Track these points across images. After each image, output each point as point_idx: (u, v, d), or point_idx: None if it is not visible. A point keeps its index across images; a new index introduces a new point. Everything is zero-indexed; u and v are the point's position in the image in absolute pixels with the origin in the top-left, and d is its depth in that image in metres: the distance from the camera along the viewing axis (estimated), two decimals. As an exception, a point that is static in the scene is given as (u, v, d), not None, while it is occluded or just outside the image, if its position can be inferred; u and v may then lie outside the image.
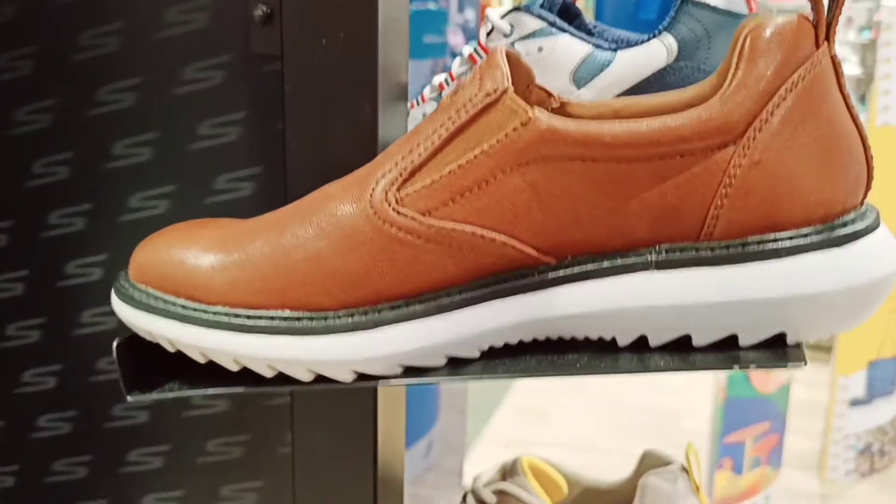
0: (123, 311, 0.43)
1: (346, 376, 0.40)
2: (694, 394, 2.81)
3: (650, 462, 0.64)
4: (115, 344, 0.43)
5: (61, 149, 0.58)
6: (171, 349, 0.42)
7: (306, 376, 0.40)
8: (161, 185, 0.58)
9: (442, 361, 0.40)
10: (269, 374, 0.41)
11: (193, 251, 0.42)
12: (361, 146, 0.53)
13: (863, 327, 2.29)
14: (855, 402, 2.31)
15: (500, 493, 0.63)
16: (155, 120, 0.57)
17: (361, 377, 0.40)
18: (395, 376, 0.40)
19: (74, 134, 0.58)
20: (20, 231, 0.60)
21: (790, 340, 0.37)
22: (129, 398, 0.43)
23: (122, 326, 0.55)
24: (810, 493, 2.35)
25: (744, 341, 0.37)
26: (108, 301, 0.60)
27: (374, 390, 0.57)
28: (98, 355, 0.61)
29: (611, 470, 2.32)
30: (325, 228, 0.40)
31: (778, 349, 0.36)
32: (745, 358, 0.36)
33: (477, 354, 0.40)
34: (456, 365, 0.40)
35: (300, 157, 0.55)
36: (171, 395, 0.43)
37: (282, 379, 0.41)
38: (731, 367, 0.37)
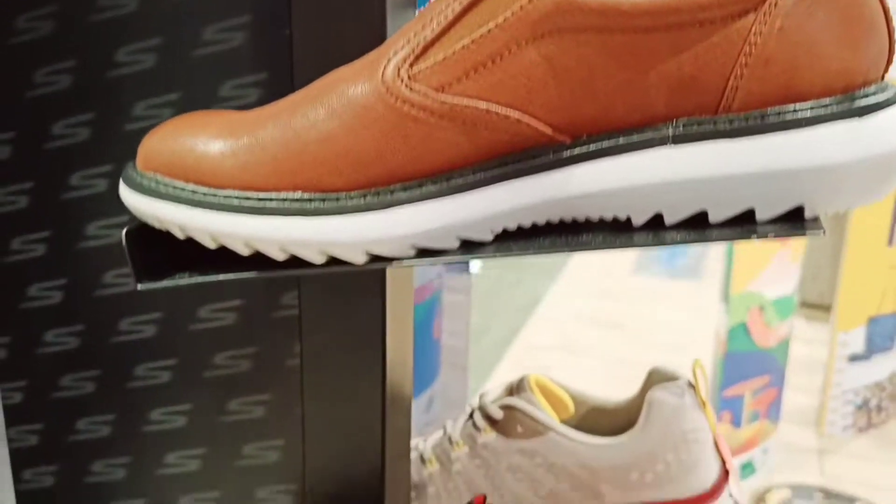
0: (132, 198, 0.42)
1: (359, 258, 0.40)
2: (695, 351, 2.81)
3: (657, 378, 0.64)
4: (123, 232, 0.43)
5: (64, 57, 0.58)
6: (181, 236, 0.42)
7: (318, 258, 0.40)
8: (166, 93, 0.57)
9: (455, 244, 0.40)
10: (280, 257, 0.40)
11: (202, 138, 0.41)
12: (369, 50, 0.52)
13: (863, 285, 2.30)
14: (854, 358, 2.32)
15: (507, 409, 0.63)
16: (159, 26, 0.56)
17: (374, 259, 0.40)
18: (408, 258, 0.40)
19: (77, 41, 0.57)
20: (23, 143, 0.60)
21: (808, 214, 0.37)
22: (138, 286, 0.43)
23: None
24: (808, 447, 2.36)
25: (761, 215, 0.37)
26: (113, 213, 0.59)
27: (383, 303, 0.57)
28: (104, 268, 0.61)
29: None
30: (337, 109, 0.39)
31: (796, 222, 0.36)
32: (762, 230, 0.36)
33: (490, 237, 0.40)
34: (469, 247, 0.40)
35: (306, 62, 0.55)
36: (181, 282, 0.42)
37: (293, 262, 0.40)
38: (747, 238, 0.36)
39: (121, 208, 0.45)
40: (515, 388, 0.65)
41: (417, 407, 1.91)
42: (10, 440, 0.64)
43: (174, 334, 0.61)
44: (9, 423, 0.65)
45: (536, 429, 0.61)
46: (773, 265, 2.01)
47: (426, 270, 1.51)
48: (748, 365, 2.06)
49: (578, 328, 2.98)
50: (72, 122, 0.59)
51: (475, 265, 2.28)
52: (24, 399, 0.64)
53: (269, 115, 0.41)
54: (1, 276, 0.61)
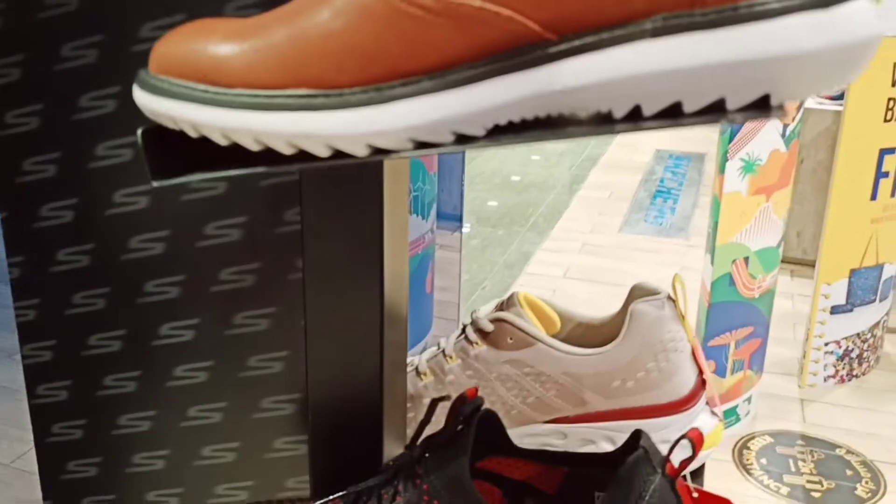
0: (146, 99, 0.45)
1: (361, 150, 0.43)
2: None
3: (639, 293, 0.67)
4: (139, 132, 0.45)
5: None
6: (193, 134, 0.44)
7: (323, 151, 0.43)
8: (172, 15, 0.59)
9: (450, 138, 0.43)
10: (287, 151, 0.43)
11: (212, 41, 0.44)
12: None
13: (846, 238, 2.33)
14: (836, 310, 2.37)
15: (498, 321, 0.67)
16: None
17: (375, 151, 0.43)
18: (406, 150, 0.43)
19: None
20: (33, 65, 0.62)
21: (774, 101, 0.40)
22: (153, 183, 0.45)
23: (135, 159, 0.58)
24: (790, 397, 2.42)
25: (731, 104, 0.40)
26: (122, 134, 0.62)
27: (381, 218, 0.60)
28: (113, 188, 0.63)
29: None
30: (340, 7, 0.42)
31: (762, 108, 0.39)
32: (732, 117, 0.39)
33: (482, 132, 0.43)
34: (462, 140, 0.43)
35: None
36: (194, 178, 0.45)
37: (300, 156, 0.43)
38: (717, 121, 0.39)
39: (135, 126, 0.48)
40: (506, 304, 0.69)
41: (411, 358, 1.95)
42: (23, 357, 0.67)
43: (181, 251, 0.64)
44: (23, 341, 0.68)
45: (525, 340, 0.64)
46: (758, 218, 2.05)
47: (418, 226, 1.53)
48: (732, 315, 2.11)
49: (567, 284, 3.03)
50: (79, 45, 0.61)
51: (466, 225, 2.30)
52: (37, 317, 0.67)
53: (275, 18, 0.44)
54: (10, 198, 0.64)
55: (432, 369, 0.69)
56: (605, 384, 0.62)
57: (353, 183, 0.57)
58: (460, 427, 0.49)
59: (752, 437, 2.24)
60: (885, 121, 2.16)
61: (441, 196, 2.36)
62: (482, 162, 4.33)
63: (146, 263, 0.64)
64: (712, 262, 2.03)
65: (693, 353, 0.65)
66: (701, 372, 0.66)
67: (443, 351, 0.70)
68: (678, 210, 3.67)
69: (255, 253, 0.63)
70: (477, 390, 0.53)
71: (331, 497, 0.51)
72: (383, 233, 0.60)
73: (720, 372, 2.17)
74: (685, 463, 0.43)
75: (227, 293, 0.64)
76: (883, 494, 2.01)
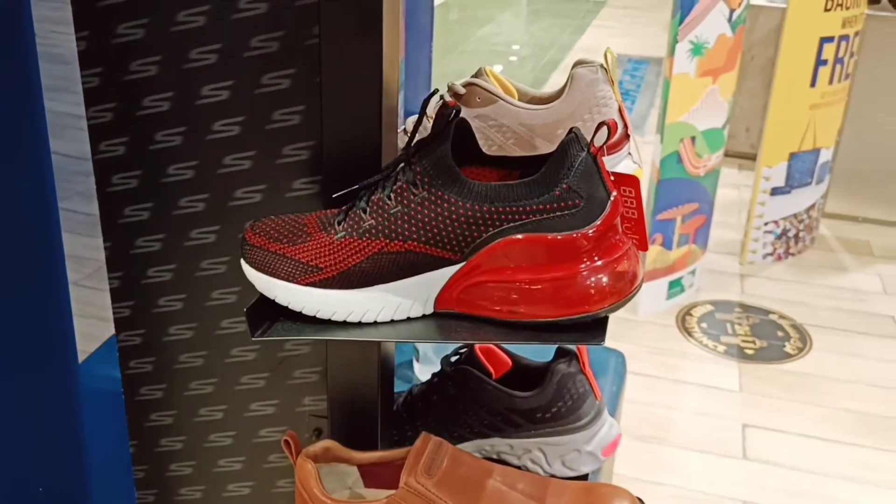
0: None
1: None
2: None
3: (579, 63, 0.81)
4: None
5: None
6: None
7: None
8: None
9: None
10: None
11: None
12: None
13: (786, 123, 2.50)
14: (776, 191, 2.56)
15: (469, 85, 0.80)
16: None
17: None
18: None
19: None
20: None
21: None
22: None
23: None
24: (731, 272, 2.63)
25: None
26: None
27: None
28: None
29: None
30: None
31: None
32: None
33: None
34: None
35: None
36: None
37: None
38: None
39: None
40: (474, 75, 0.83)
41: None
42: (88, 118, 0.79)
43: (220, 21, 0.76)
44: (87, 104, 0.79)
45: (490, 98, 0.78)
46: (705, 100, 2.22)
47: None
48: (679, 191, 2.29)
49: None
50: None
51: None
52: (100, 83, 0.79)
53: None
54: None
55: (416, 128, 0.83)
56: (551, 132, 0.75)
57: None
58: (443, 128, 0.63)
59: (695, 306, 2.45)
60: (826, 10, 2.32)
61: (407, 93, 2.48)
62: (446, 63, 4.42)
63: (192, 34, 0.76)
64: (661, 141, 2.20)
65: (620, 109, 0.77)
66: (626, 126, 0.79)
67: (425, 115, 0.84)
68: (635, 110, 3.84)
69: (278, 23, 0.76)
70: (455, 102, 0.67)
71: (345, 190, 0.65)
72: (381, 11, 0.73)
73: (667, 245, 2.36)
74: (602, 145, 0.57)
75: (257, 58, 0.76)
76: (809, 350, 2.24)
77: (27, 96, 0.76)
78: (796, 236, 2.66)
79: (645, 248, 0.57)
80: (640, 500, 0.67)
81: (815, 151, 2.55)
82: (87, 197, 0.81)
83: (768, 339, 2.28)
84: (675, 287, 2.43)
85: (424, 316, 0.59)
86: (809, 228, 2.69)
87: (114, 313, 0.81)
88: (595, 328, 0.54)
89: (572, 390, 0.76)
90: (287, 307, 0.60)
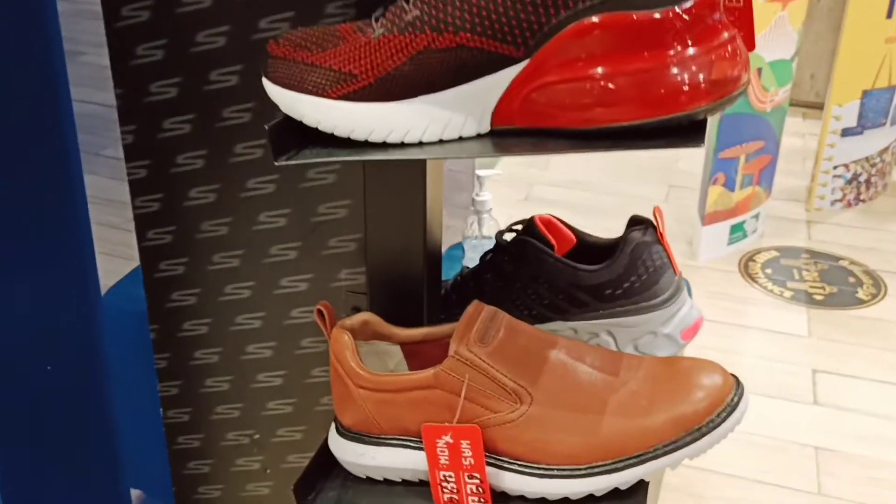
0: None
1: None
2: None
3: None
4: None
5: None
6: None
7: None
8: None
9: None
10: None
11: None
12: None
13: (859, 57, 2.33)
14: (847, 132, 2.41)
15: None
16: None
17: None
18: None
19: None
20: None
21: None
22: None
23: None
24: (797, 219, 2.49)
25: None
26: None
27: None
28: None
29: (608, 208, 2.42)
30: None
31: None
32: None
33: None
34: None
35: None
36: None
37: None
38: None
39: None
40: (526, 225, 0.71)
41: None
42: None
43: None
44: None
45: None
46: (773, 27, 2.07)
47: None
48: (744, 128, 2.15)
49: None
50: None
51: None
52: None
53: None
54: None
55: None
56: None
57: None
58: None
59: (758, 252, 2.31)
60: (906, -69, 2.16)
61: None
62: None
63: (213, 54, 0.66)
64: (727, 71, 2.06)
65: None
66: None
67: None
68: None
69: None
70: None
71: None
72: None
73: (729, 185, 2.23)
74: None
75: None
76: (884, 297, 2.10)
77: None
78: (868, 181, 2.50)
79: (752, 47, 0.46)
80: (734, 376, 0.56)
81: (891, 89, 2.39)
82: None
83: (839, 286, 2.15)
84: (738, 231, 2.30)
85: (479, 136, 0.49)
86: (882, 173, 2.53)
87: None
88: (690, 132, 0.44)
89: (647, 262, 0.66)
90: (317, 130, 0.50)
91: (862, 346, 1.90)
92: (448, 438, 0.56)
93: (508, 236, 0.71)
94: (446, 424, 0.56)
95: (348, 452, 0.62)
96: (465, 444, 0.56)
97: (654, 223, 0.67)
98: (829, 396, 1.74)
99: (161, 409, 0.76)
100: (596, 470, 0.55)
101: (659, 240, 0.66)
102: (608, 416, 0.55)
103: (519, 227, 0.71)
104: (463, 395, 0.57)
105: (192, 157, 0.68)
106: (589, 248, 0.71)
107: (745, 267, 2.24)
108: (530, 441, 0.56)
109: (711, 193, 2.19)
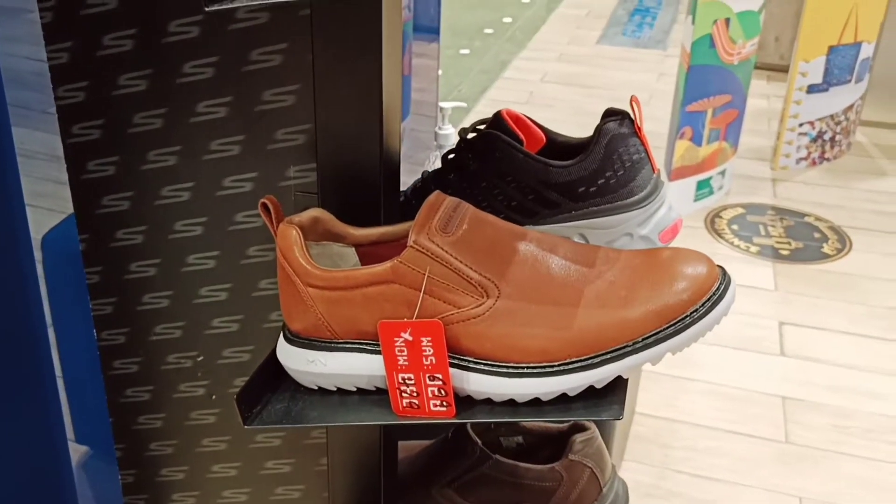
0: None
1: None
2: (656, 104, 2.87)
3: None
4: None
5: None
6: None
7: None
8: None
9: None
10: None
11: None
12: None
13: (826, 12, 2.30)
14: (813, 89, 2.39)
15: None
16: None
17: None
18: None
19: None
20: None
21: None
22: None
23: None
24: (763, 177, 2.47)
25: None
26: None
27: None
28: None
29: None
30: None
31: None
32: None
33: None
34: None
35: None
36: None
37: None
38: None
39: None
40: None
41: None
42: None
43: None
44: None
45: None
46: (741, -23, 2.03)
47: None
48: (711, 80, 2.11)
49: (543, 87, 3.01)
50: None
51: (442, 34, 2.26)
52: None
53: None
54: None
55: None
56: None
57: None
58: None
59: (724, 208, 2.29)
60: None
61: (418, 8, 2.31)
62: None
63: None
64: (693, 22, 2.02)
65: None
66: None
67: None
68: (656, 25, 3.64)
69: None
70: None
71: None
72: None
73: (696, 140, 2.19)
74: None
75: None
76: (849, 251, 2.08)
77: None
78: (832, 139, 2.49)
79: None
80: (721, 268, 0.52)
81: (856, 45, 2.37)
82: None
83: (804, 241, 2.13)
84: (704, 188, 2.27)
85: None
86: (847, 132, 2.52)
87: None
88: None
89: (624, 156, 0.61)
90: None
91: (828, 299, 1.88)
92: (407, 336, 0.51)
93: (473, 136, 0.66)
94: (405, 320, 0.51)
95: (297, 360, 0.56)
96: (425, 341, 0.51)
97: (631, 115, 0.61)
98: (795, 348, 1.72)
99: (94, 331, 0.70)
100: (570, 366, 0.50)
101: (636, 132, 0.61)
102: (583, 309, 0.50)
103: (483, 126, 0.65)
104: (423, 289, 0.51)
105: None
106: (558, 148, 0.65)
107: (712, 223, 2.21)
108: (497, 337, 0.51)
109: (678, 148, 2.16)
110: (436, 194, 0.55)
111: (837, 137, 2.49)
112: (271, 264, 0.66)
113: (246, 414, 0.54)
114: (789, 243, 2.13)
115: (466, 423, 0.73)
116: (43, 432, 0.87)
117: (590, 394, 0.50)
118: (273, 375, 0.57)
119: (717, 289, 0.50)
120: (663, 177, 2.24)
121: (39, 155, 1.78)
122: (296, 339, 0.56)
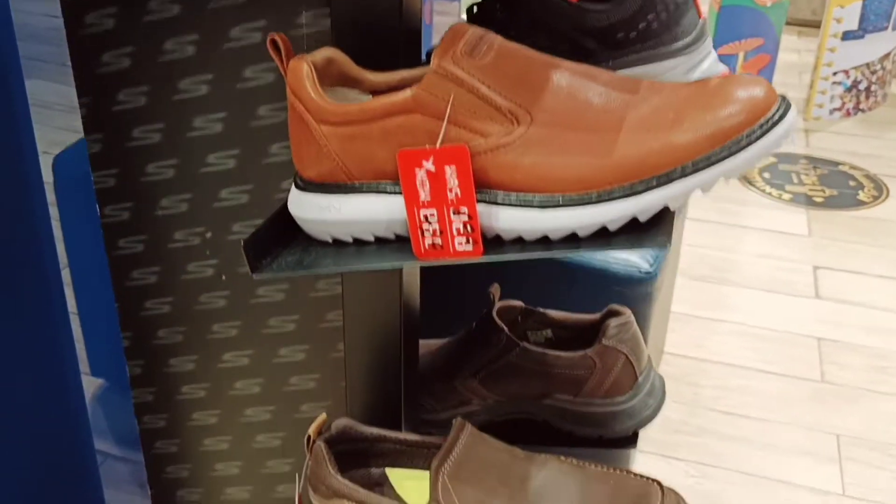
0: None
1: None
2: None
3: None
4: None
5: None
6: None
7: None
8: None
9: None
10: None
11: None
12: None
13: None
14: (847, 36, 2.31)
15: None
16: None
17: None
18: None
19: None
20: None
21: None
22: None
23: None
24: (794, 128, 2.39)
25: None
26: None
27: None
28: None
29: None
30: None
31: None
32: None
33: None
34: None
35: None
36: None
37: None
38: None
39: None
40: None
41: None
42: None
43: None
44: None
45: None
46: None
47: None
48: (743, 22, 2.04)
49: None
50: None
51: None
52: None
53: None
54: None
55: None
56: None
57: None
58: None
59: (755, 158, 2.22)
60: None
61: None
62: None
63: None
64: (726, -41, 1.95)
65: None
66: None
67: None
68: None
69: None
70: None
71: None
72: None
73: (727, 85, 2.12)
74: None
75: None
76: (885, 198, 2.01)
77: None
78: (868, 89, 2.40)
79: None
80: (783, 97, 0.46)
81: (895, -11, 2.28)
82: None
83: (839, 188, 2.06)
84: (734, 137, 2.20)
85: None
86: (882, 82, 2.43)
87: None
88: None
89: (666, -2, 0.55)
90: None
91: (864, 244, 1.82)
92: (429, 165, 0.46)
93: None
94: (427, 147, 0.46)
95: (310, 208, 0.51)
96: (449, 171, 0.46)
97: (675, -48, 0.56)
98: (831, 291, 1.66)
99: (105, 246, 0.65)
100: (610, 195, 0.45)
101: (679, -29, 0.56)
102: (626, 133, 0.45)
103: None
104: (447, 116, 0.46)
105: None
106: None
107: (742, 172, 2.14)
108: (529, 167, 0.46)
109: (708, 93, 2.09)
110: (460, 23, 0.50)
111: (873, 87, 2.41)
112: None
113: (255, 263, 0.50)
114: (823, 191, 2.06)
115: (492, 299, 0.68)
116: (55, 365, 0.84)
117: (633, 227, 0.45)
118: (284, 231, 0.53)
119: (776, 110, 0.45)
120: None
121: (57, 106, 1.75)
122: (308, 185, 0.51)
